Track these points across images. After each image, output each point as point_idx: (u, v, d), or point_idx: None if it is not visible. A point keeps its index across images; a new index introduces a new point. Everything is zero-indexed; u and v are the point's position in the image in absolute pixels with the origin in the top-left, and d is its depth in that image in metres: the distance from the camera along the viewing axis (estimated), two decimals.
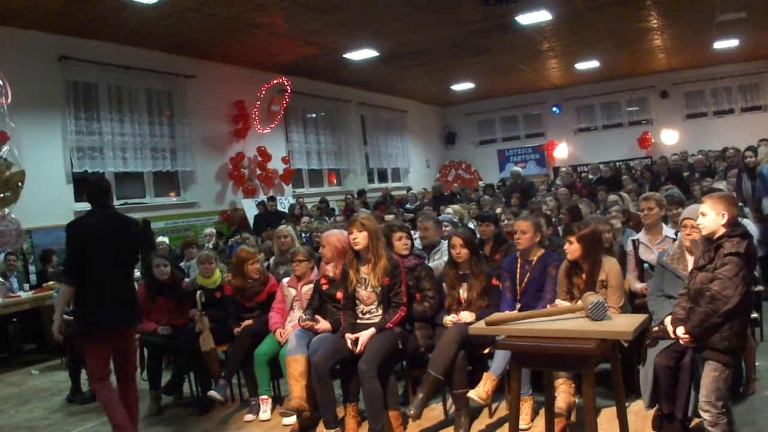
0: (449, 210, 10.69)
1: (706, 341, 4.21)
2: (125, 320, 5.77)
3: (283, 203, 15.80)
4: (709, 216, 4.35)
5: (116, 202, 12.28)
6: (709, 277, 4.25)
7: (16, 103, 10.65)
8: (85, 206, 11.61)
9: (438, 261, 7.19)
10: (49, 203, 10.21)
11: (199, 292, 7.32)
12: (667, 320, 4.69)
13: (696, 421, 4.79)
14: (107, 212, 5.88)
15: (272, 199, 15.12)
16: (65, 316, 6.07)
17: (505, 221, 8.17)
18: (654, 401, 4.71)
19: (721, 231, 4.31)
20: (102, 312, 5.56)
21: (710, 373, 4.19)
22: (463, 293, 5.99)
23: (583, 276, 5.36)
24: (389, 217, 10.50)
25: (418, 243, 7.78)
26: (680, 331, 4.35)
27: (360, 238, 5.65)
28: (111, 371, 5.83)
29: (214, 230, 12.72)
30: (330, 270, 6.36)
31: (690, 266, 4.89)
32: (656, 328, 4.75)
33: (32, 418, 7.27)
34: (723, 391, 4.20)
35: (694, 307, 4.32)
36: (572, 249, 5.35)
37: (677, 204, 6.82)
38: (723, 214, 4.29)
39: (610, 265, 5.40)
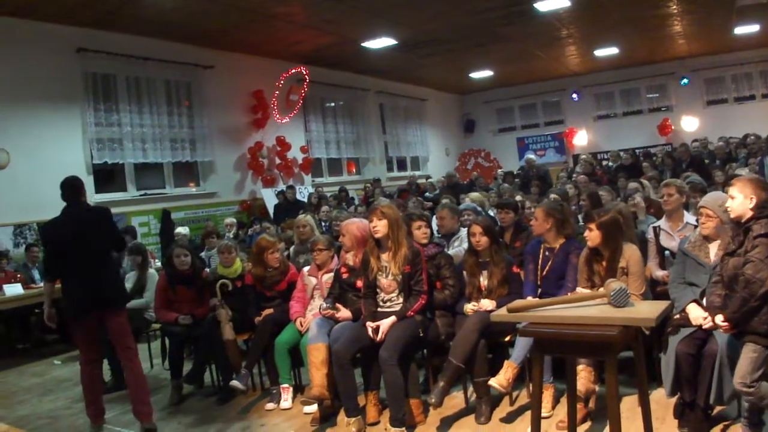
0: (470, 198, 10.65)
1: (746, 326, 4.18)
2: (109, 304, 6.03)
3: (303, 193, 15.80)
4: (738, 199, 4.34)
5: (136, 193, 12.52)
6: (742, 262, 4.22)
7: (35, 95, 10.76)
8: (105, 197, 11.76)
9: (457, 248, 7.18)
10: None
11: (220, 282, 7.35)
12: (689, 307, 4.68)
13: (718, 409, 4.78)
14: (79, 209, 6.15)
15: (291, 188, 15.14)
16: None
17: (532, 208, 8.14)
18: (676, 389, 4.67)
19: (749, 214, 4.29)
20: (85, 300, 5.92)
21: (749, 355, 4.14)
22: (483, 281, 5.99)
23: (604, 263, 5.33)
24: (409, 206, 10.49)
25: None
26: (719, 319, 4.32)
27: (380, 227, 5.65)
28: (99, 356, 6.31)
29: (235, 220, 12.75)
30: (350, 259, 6.34)
31: (711, 253, 4.87)
32: (677, 316, 4.73)
33: (55, 408, 7.33)
34: (765, 371, 4.16)
35: (729, 293, 4.29)
36: (593, 236, 5.32)
37: (700, 191, 6.79)
38: (751, 198, 4.28)
39: (630, 252, 5.36)
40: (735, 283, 4.23)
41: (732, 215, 4.41)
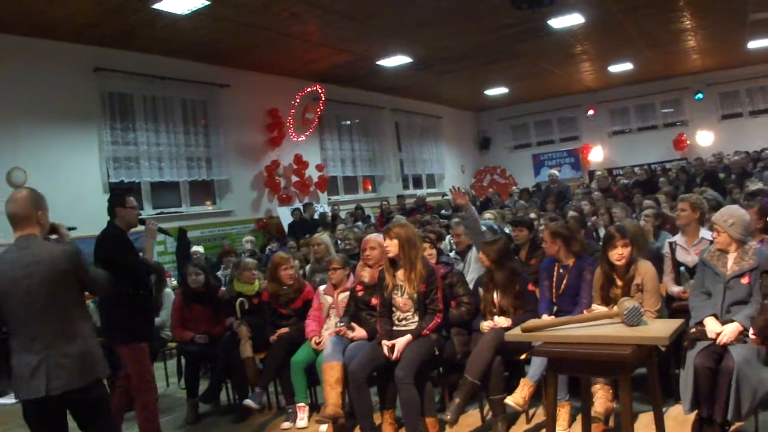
0: (488, 215, 10.62)
1: None
2: (115, 337, 5.66)
3: (319, 211, 15.81)
4: None
5: (152, 212, 12.51)
6: None
7: (52, 114, 10.83)
8: None
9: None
10: (85, 213, 10.18)
11: (239, 300, 7.37)
12: (707, 320, 4.69)
13: (736, 425, 4.74)
14: (107, 227, 5.75)
15: (309, 205, 15.22)
16: None
17: (542, 227, 8.13)
18: (695, 405, 4.65)
19: None
20: (103, 329, 5.76)
21: None
22: (497, 298, 5.98)
23: (619, 282, 5.35)
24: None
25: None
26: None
27: (391, 246, 5.67)
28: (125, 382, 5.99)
29: (253, 238, 12.77)
30: (366, 276, 6.31)
31: (729, 264, 4.88)
32: (694, 329, 4.73)
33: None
34: None
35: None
36: (627, 252, 5.34)
37: (713, 208, 6.79)
38: None
39: (645, 268, 5.38)
40: None
41: None
